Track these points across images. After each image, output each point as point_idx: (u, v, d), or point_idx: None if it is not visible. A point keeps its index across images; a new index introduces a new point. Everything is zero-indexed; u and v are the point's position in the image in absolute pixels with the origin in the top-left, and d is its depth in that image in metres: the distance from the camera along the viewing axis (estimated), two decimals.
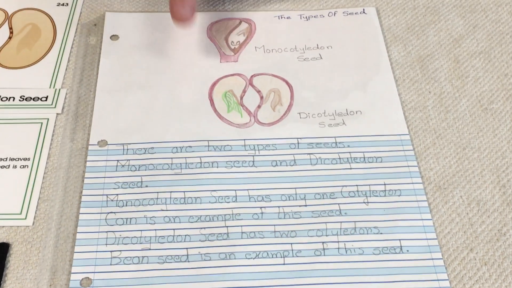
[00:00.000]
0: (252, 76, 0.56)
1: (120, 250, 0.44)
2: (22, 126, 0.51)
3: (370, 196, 0.48)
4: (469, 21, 0.61)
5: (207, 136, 0.51)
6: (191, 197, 0.47)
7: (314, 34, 0.59)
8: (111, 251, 0.44)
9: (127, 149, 0.50)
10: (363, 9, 0.61)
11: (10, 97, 0.53)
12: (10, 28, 0.59)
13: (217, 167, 0.49)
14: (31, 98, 0.53)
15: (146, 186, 0.48)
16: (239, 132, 0.51)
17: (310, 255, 0.44)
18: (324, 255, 0.45)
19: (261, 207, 0.47)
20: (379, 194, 0.48)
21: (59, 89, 0.54)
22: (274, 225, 0.46)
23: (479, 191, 0.48)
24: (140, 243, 0.45)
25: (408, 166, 0.49)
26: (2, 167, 0.48)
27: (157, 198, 0.47)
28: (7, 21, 0.59)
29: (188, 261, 0.44)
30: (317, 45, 0.58)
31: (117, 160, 0.49)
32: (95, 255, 0.44)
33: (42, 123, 0.51)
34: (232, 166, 0.49)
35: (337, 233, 0.46)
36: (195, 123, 0.52)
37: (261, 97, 0.54)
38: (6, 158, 0.49)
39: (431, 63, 0.57)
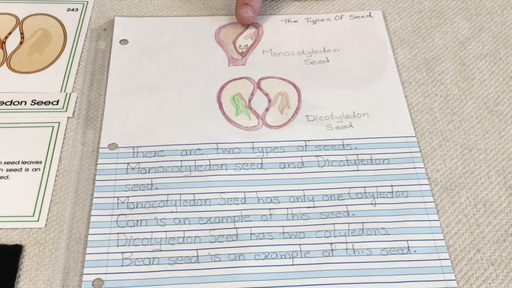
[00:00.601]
0: (260, 80, 0.56)
1: (131, 252, 0.45)
2: (34, 129, 0.52)
3: (377, 198, 0.48)
4: (474, 23, 0.61)
5: (216, 139, 0.52)
6: (200, 199, 0.48)
7: (321, 38, 0.60)
8: (122, 253, 0.45)
9: (137, 152, 0.51)
10: (370, 13, 0.62)
11: (22, 101, 0.54)
12: (21, 33, 0.60)
13: (226, 169, 0.50)
14: (42, 102, 0.54)
15: (156, 188, 0.48)
16: (248, 134, 0.52)
17: (318, 256, 0.45)
18: (332, 255, 0.45)
19: (269, 209, 0.48)
20: (387, 196, 0.48)
21: (70, 93, 0.55)
22: (283, 226, 0.47)
23: (486, 192, 0.49)
24: (151, 245, 0.45)
25: (415, 167, 0.50)
26: (15, 170, 0.49)
27: (167, 200, 0.48)
28: (18, 26, 0.60)
29: (198, 262, 0.45)
30: (324, 48, 0.59)
31: (128, 163, 0.50)
32: (106, 257, 0.45)
33: (53, 126, 0.52)
34: (240, 169, 0.50)
35: (345, 234, 0.46)
36: (204, 126, 0.52)
37: (269, 100, 0.55)
38: (19, 161, 0.50)
39: (437, 65, 0.58)
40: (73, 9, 0.62)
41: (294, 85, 0.56)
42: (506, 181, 0.50)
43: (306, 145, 0.51)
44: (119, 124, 0.52)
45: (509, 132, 0.53)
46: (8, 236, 0.46)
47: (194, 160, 0.50)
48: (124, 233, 0.46)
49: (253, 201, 0.48)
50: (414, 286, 0.44)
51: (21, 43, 0.59)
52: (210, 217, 0.47)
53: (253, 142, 0.52)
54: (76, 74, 0.56)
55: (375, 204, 0.48)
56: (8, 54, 0.58)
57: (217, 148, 0.51)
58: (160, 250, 0.45)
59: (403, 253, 0.45)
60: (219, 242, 0.46)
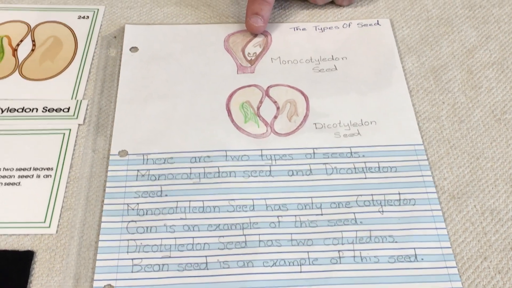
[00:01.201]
0: (268, 87, 0.57)
1: (141, 258, 0.46)
2: (45, 136, 0.53)
3: (385, 205, 0.49)
4: (482, 32, 0.62)
5: (224, 146, 0.52)
6: (209, 206, 0.48)
7: (329, 46, 0.60)
8: (132, 259, 0.45)
9: (147, 159, 0.51)
10: (378, 21, 0.62)
11: (33, 109, 0.54)
12: (33, 41, 0.60)
13: (235, 176, 0.50)
14: (53, 109, 0.54)
15: (166, 195, 0.49)
16: (256, 142, 0.53)
17: (326, 263, 0.45)
18: (340, 263, 0.45)
19: (278, 216, 0.48)
20: (394, 203, 0.49)
21: (81, 100, 0.55)
22: (291, 233, 0.47)
23: (493, 201, 0.49)
24: (161, 251, 0.46)
25: (422, 175, 0.50)
26: (26, 176, 0.50)
27: (177, 207, 0.48)
28: (30, 33, 0.61)
29: (207, 269, 0.45)
30: (332, 56, 0.59)
31: (138, 170, 0.51)
32: (116, 263, 0.45)
33: (64, 133, 0.53)
34: (249, 176, 0.50)
35: (352, 242, 0.47)
36: (213, 133, 0.53)
37: (278, 108, 0.55)
38: (30, 168, 0.50)
39: (445, 73, 0.58)
40: (84, 17, 0.63)
41: (302, 93, 0.56)
42: None
43: (314, 153, 0.52)
44: (129, 131, 0.53)
45: None
46: (20, 242, 0.46)
47: (203, 167, 0.51)
48: (134, 239, 0.47)
49: (261, 208, 0.48)
50: None
51: (32, 50, 0.60)
52: (219, 224, 0.47)
53: (261, 149, 0.52)
54: (87, 81, 0.57)
55: (383, 212, 0.48)
56: (20, 62, 0.58)
57: (226, 156, 0.51)
58: (170, 257, 0.46)
59: (410, 261, 0.46)
60: (228, 249, 0.46)
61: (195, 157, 0.51)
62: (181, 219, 0.48)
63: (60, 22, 0.62)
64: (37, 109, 0.54)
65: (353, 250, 0.46)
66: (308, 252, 0.46)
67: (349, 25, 0.62)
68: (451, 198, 0.49)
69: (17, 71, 0.58)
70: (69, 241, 0.47)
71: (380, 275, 0.45)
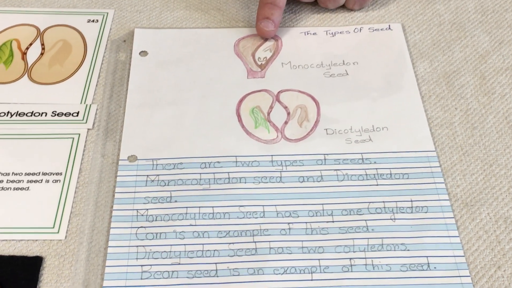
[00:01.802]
0: (279, 92, 0.56)
1: (150, 265, 0.45)
2: (54, 141, 0.52)
3: (397, 213, 0.48)
4: (495, 37, 0.61)
5: (235, 152, 0.52)
6: (219, 212, 0.48)
7: (340, 50, 0.60)
8: (141, 265, 0.45)
9: (157, 165, 0.51)
10: (389, 25, 0.62)
11: (42, 113, 0.54)
12: (42, 44, 0.60)
13: (245, 182, 0.50)
14: (62, 113, 0.54)
15: (175, 201, 0.49)
16: (267, 148, 0.52)
17: (337, 271, 0.45)
18: (351, 271, 0.45)
19: (288, 223, 0.47)
20: (406, 211, 0.48)
21: (90, 105, 0.55)
22: (302, 240, 0.47)
23: (507, 208, 0.49)
24: (170, 258, 0.46)
25: (435, 182, 0.50)
26: (35, 181, 0.50)
27: (186, 213, 0.48)
28: (39, 37, 0.61)
29: (217, 276, 0.45)
30: (343, 61, 0.59)
31: (147, 175, 0.50)
32: (126, 269, 0.45)
33: (73, 138, 0.53)
34: (259, 182, 0.50)
35: (364, 249, 0.46)
36: (223, 139, 0.53)
37: (288, 113, 0.55)
38: (39, 173, 0.50)
39: (457, 79, 0.57)
40: (93, 21, 0.63)
41: (313, 98, 0.56)
42: None
43: (325, 159, 0.51)
44: (139, 136, 0.53)
45: None
46: (28, 247, 0.46)
47: (213, 173, 0.50)
48: (143, 245, 0.46)
49: (272, 215, 0.48)
50: None
51: (41, 54, 0.59)
52: (229, 231, 0.47)
53: (272, 155, 0.52)
54: (96, 85, 0.57)
55: (395, 219, 0.48)
56: (29, 65, 0.58)
57: (236, 161, 0.51)
58: (179, 264, 0.45)
59: (423, 270, 0.45)
60: (238, 256, 0.46)
61: (205, 163, 0.51)
62: (191, 225, 0.47)
63: (69, 26, 0.62)
64: (46, 114, 0.54)
65: (365, 258, 0.46)
66: (319, 259, 0.45)
67: (360, 29, 0.62)
68: (464, 206, 0.49)
69: (26, 75, 0.57)
70: (78, 247, 0.46)
71: (392, 283, 0.44)
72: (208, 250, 0.46)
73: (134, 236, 0.47)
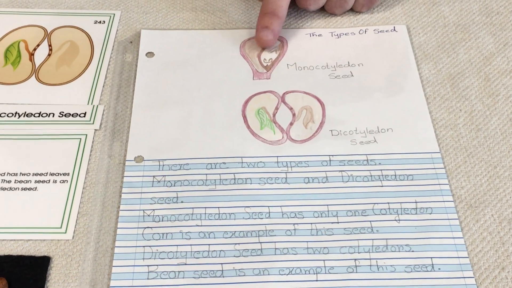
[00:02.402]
0: (284, 93, 0.57)
1: (157, 265, 0.46)
2: (61, 141, 0.53)
3: (401, 214, 0.48)
4: (499, 39, 0.61)
5: (240, 152, 0.52)
6: (225, 213, 0.48)
7: (345, 52, 0.60)
8: (148, 266, 0.46)
9: (163, 165, 0.51)
10: (394, 27, 0.62)
11: (50, 113, 0.54)
12: (50, 45, 0.61)
13: (251, 183, 0.50)
14: (70, 114, 0.55)
15: (182, 202, 0.49)
16: (272, 149, 0.52)
17: (342, 272, 0.45)
18: (356, 272, 0.45)
19: (294, 224, 0.48)
20: (411, 212, 0.48)
21: (97, 106, 0.55)
22: (307, 241, 0.47)
23: (511, 210, 0.49)
24: (176, 258, 0.46)
25: (439, 184, 0.50)
26: (43, 182, 0.50)
27: (192, 214, 0.48)
28: (46, 38, 0.61)
29: (223, 277, 0.45)
30: (348, 62, 0.59)
31: (153, 176, 0.51)
32: (132, 269, 0.45)
33: (80, 139, 0.53)
34: (265, 183, 0.50)
35: (369, 250, 0.46)
36: (229, 139, 0.53)
37: (293, 114, 0.55)
38: (47, 173, 0.51)
39: (462, 81, 0.58)
40: (100, 22, 0.63)
41: (319, 100, 0.56)
42: None
43: (330, 160, 0.52)
44: (145, 137, 0.53)
45: None
46: (36, 247, 0.47)
47: (219, 173, 0.51)
48: (150, 246, 0.47)
49: (277, 215, 0.48)
50: None
51: (49, 55, 0.60)
52: (235, 231, 0.47)
53: (277, 156, 0.52)
54: (103, 86, 0.57)
55: (399, 220, 0.48)
56: (36, 66, 0.59)
57: (242, 162, 0.51)
58: (185, 264, 0.46)
59: (427, 271, 0.45)
60: (244, 256, 0.46)
61: (211, 164, 0.51)
62: (197, 225, 0.48)
63: (76, 27, 0.63)
64: (53, 114, 0.54)
65: (370, 259, 0.46)
66: (324, 260, 0.46)
67: (365, 31, 0.62)
68: (468, 207, 0.49)
69: (33, 75, 0.58)
70: (85, 247, 0.47)
71: (396, 284, 0.45)
72: (214, 251, 0.46)
73: (141, 237, 0.47)
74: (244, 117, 0.55)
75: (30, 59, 0.59)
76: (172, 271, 0.45)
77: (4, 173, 0.50)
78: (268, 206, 0.49)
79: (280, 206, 0.49)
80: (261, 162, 0.51)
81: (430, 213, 0.48)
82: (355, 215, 0.48)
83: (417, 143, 0.53)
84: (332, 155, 0.52)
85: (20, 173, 0.51)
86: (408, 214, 0.48)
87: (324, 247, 0.47)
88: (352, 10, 0.63)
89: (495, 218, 0.48)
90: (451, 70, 0.59)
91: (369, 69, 0.59)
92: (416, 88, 0.57)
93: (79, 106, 0.55)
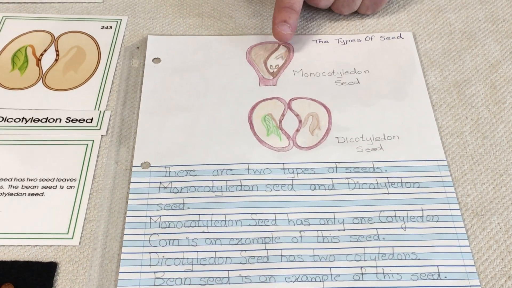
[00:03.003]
0: (290, 100, 0.57)
1: (163, 271, 0.46)
2: (68, 147, 0.53)
3: (407, 222, 0.48)
4: (505, 46, 0.61)
5: (247, 159, 0.52)
6: (231, 220, 0.48)
7: (352, 59, 0.60)
8: (154, 272, 0.46)
9: (170, 171, 0.51)
10: (400, 34, 0.62)
11: (57, 119, 0.55)
12: (57, 51, 0.61)
13: (257, 190, 0.50)
14: (77, 119, 0.55)
15: (188, 208, 0.49)
16: (278, 155, 0.53)
17: (348, 280, 0.45)
18: (362, 279, 0.45)
19: (300, 231, 0.48)
20: (417, 220, 0.48)
21: (104, 111, 0.56)
22: (313, 248, 0.47)
23: None
24: (183, 265, 0.46)
25: (446, 192, 0.50)
26: (50, 187, 0.50)
27: (199, 220, 0.48)
28: (53, 43, 0.61)
29: (229, 283, 0.45)
30: (355, 69, 0.59)
31: (160, 182, 0.51)
32: (139, 276, 0.45)
33: (87, 144, 0.53)
34: (271, 190, 0.50)
35: (375, 258, 0.46)
36: (235, 146, 0.53)
37: (300, 121, 0.55)
38: (54, 179, 0.51)
39: (468, 88, 0.58)
40: (107, 27, 0.63)
41: (325, 106, 0.56)
42: None
43: (336, 167, 0.52)
44: (152, 143, 0.53)
45: None
46: (43, 253, 0.47)
47: (226, 180, 0.51)
48: (156, 252, 0.47)
49: (283, 222, 0.48)
50: None
51: (56, 60, 0.60)
52: (241, 238, 0.47)
53: (283, 163, 0.52)
54: (110, 92, 0.57)
55: (405, 228, 0.48)
56: (43, 71, 0.59)
57: (248, 169, 0.51)
58: (192, 271, 0.46)
59: (433, 279, 0.45)
60: (250, 263, 0.46)
61: (217, 170, 0.51)
62: (203, 232, 0.48)
63: (83, 32, 0.63)
64: (60, 120, 0.55)
65: (376, 266, 0.46)
66: (330, 268, 0.46)
67: (371, 38, 0.62)
68: (474, 215, 0.49)
69: (41, 81, 0.58)
70: (92, 253, 0.47)
71: None
72: (220, 257, 0.46)
73: (147, 243, 0.47)
74: (251, 123, 0.55)
75: (37, 64, 0.60)
76: (179, 278, 0.45)
77: (11, 178, 0.51)
78: (274, 213, 0.49)
79: (286, 213, 0.49)
80: (267, 168, 0.52)
81: (437, 221, 0.48)
82: (361, 223, 0.48)
83: (423, 150, 0.53)
84: (338, 162, 0.52)
85: (27, 178, 0.51)
86: (414, 222, 0.48)
87: (330, 255, 0.47)
88: (357, 12, 0.63)
89: (502, 227, 0.48)
90: (457, 77, 0.59)
91: (375, 76, 0.59)
92: (422, 95, 0.57)
93: (86, 112, 0.55)
